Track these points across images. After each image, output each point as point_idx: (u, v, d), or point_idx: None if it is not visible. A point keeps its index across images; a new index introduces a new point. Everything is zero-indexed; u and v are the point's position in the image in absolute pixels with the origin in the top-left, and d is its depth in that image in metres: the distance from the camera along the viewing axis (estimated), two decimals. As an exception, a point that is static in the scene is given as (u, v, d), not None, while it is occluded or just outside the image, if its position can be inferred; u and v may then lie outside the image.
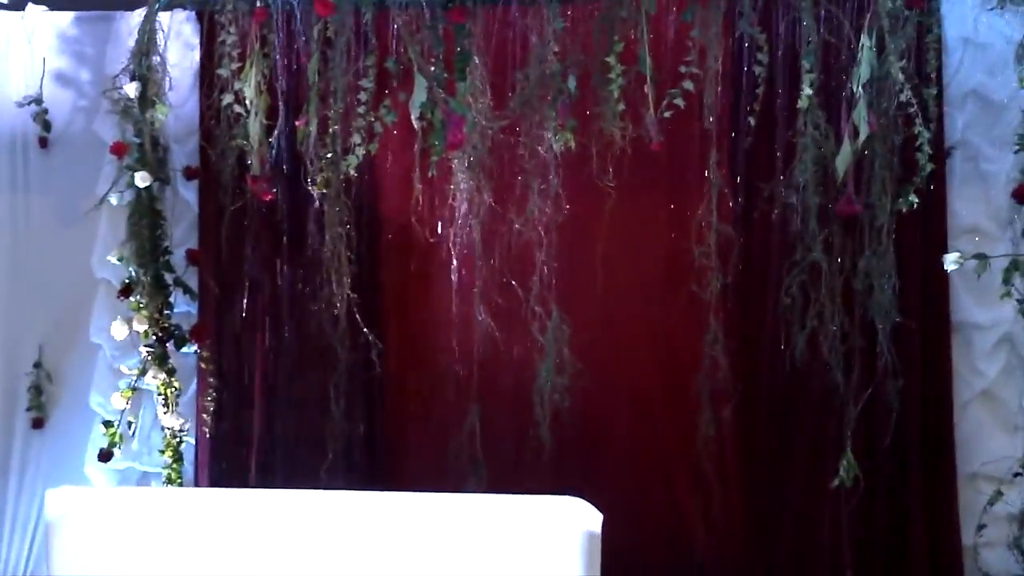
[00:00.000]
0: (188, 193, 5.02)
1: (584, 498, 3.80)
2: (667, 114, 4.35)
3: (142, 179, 4.74)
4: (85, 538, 3.89)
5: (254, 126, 4.69)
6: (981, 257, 4.13)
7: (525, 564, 3.66)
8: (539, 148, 4.57)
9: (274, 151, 4.80)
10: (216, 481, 4.92)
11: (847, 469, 4.33)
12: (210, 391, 4.91)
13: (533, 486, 4.23)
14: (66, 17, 5.09)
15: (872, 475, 4.43)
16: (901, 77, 4.13)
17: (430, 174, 4.67)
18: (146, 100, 4.76)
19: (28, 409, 5.06)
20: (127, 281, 4.83)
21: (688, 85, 4.37)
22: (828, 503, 4.49)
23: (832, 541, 4.51)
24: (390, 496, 3.95)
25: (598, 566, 3.67)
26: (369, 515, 3.86)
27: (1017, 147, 4.17)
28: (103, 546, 3.90)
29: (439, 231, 4.76)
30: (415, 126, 4.56)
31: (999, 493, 4.22)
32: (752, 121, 4.46)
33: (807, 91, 4.26)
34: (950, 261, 4.19)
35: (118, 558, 3.90)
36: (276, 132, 4.77)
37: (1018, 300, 4.17)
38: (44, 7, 5.05)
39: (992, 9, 4.33)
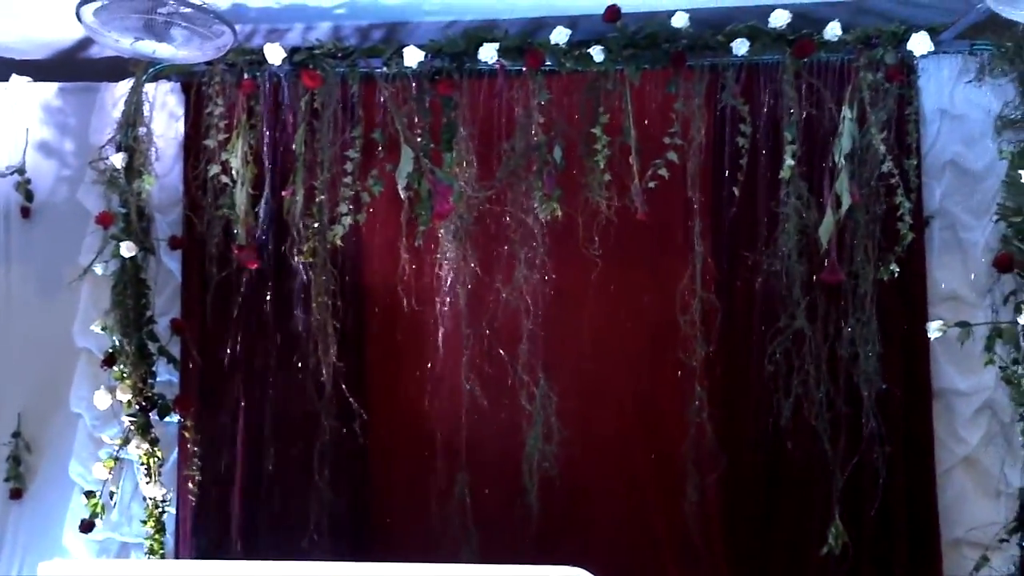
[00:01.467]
0: (171, 263, 5.02)
1: (573, 565, 3.80)
2: (652, 184, 4.43)
3: (128, 249, 4.74)
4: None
5: (240, 196, 4.72)
6: (964, 325, 4.21)
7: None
8: (525, 217, 4.62)
9: (260, 221, 4.81)
10: (198, 552, 4.86)
11: (835, 536, 4.35)
12: (193, 461, 4.87)
13: (523, 554, 4.23)
14: (50, 88, 5.11)
15: (858, 541, 4.44)
16: (882, 148, 4.22)
17: (416, 243, 4.71)
18: (132, 170, 4.79)
19: (6, 479, 5.01)
20: (110, 350, 4.81)
21: (672, 156, 4.45)
22: (814, 571, 4.49)
23: (821, 609, 4.52)
24: (383, 568, 3.93)
25: (600, 639, 3.67)
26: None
27: (997, 216, 4.25)
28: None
29: (425, 300, 4.76)
30: (402, 196, 4.61)
31: (985, 559, 4.24)
32: (736, 191, 4.52)
33: (789, 162, 4.34)
34: (933, 329, 4.26)
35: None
36: (262, 202, 4.79)
37: (1001, 367, 4.22)
38: (28, 78, 5.06)
39: (969, 82, 4.42)
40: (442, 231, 4.69)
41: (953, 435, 4.55)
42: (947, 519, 4.53)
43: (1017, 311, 4.14)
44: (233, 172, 4.72)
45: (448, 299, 4.73)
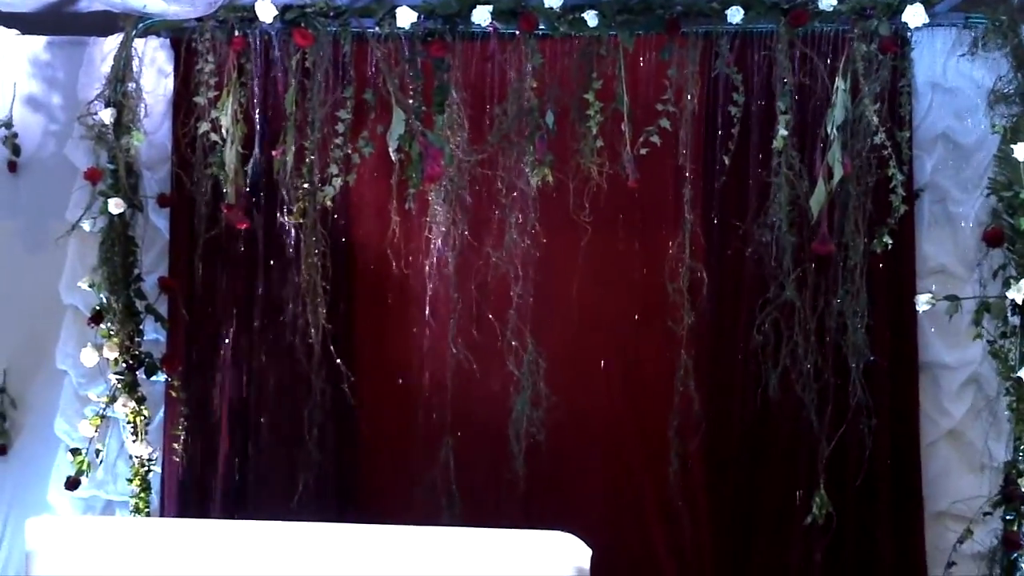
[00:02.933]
0: (160, 220, 4.99)
1: (558, 530, 3.82)
2: (643, 151, 4.41)
3: (116, 205, 4.71)
4: (65, 568, 3.85)
5: (230, 155, 4.69)
6: (953, 299, 4.22)
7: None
8: (516, 182, 4.60)
9: (250, 180, 4.79)
10: (183, 511, 4.87)
11: (820, 506, 4.38)
12: (179, 420, 4.88)
13: (506, 520, 4.25)
14: (38, 42, 5.06)
15: (842, 512, 4.47)
16: (875, 120, 4.21)
17: (407, 206, 4.69)
18: (121, 126, 4.75)
19: (-9, 436, 5.00)
20: (98, 308, 4.79)
21: (664, 123, 4.44)
22: (798, 540, 4.53)
23: (803, 576, 4.55)
24: (373, 529, 3.93)
25: (588, 602, 3.69)
26: (351, 549, 3.84)
27: (987, 191, 4.25)
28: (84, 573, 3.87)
29: (415, 263, 4.76)
30: (392, 158, 4.59)
31: (969, 532, 4.27)
32: (727, 160, 4.51)
33: (782, 132, 4.32)
34: (922, 302, 4.27)
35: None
36: (252, 161, 4.77)
37: (988, 341, 4.24)
38: (16, 31, 5.01)
39: (963, 55, 4.41)
40: (432, 194, 4.67)
41: (939, 408, 4.58)
42: (931, 492, 4.56)
43: (1005, 285, 4.14)
44: (223, 130, 4.69)
45: (437, 263, 4.72)
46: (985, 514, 4.25)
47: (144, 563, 3.91)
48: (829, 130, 4.15)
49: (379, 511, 4.59)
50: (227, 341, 4.90)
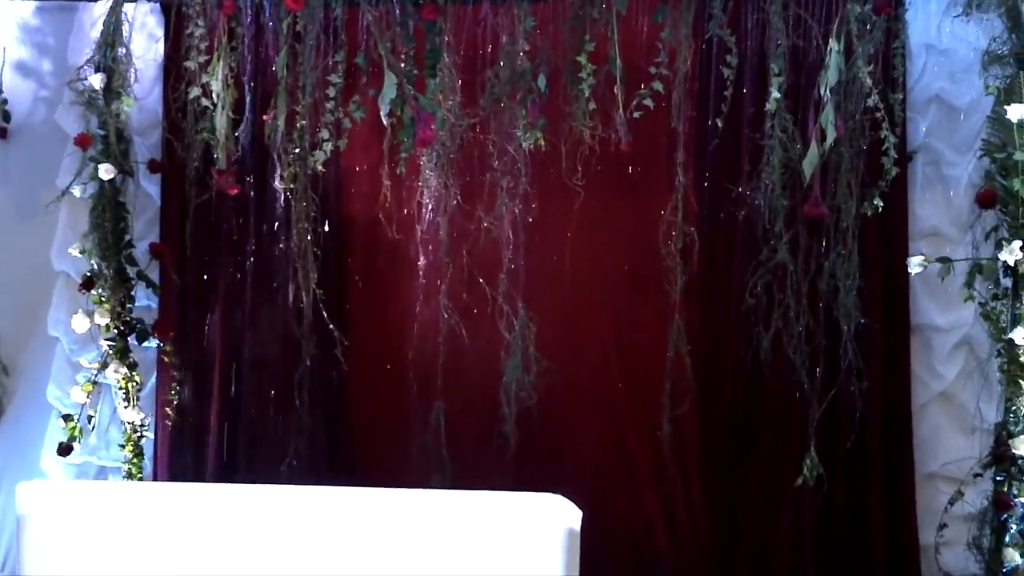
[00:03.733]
0: (150, 186, 4.98)
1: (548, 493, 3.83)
2: (636, 114, 4.39)
3: (106, 171, 4.70)
4: (57, 532, 3.85)
5: (220, 120, 4.66)
6: (945, 260, 4.22)
7: (506, 561, 3.67)
8: (508, 146, 4.58)
9: (240, 145, 4.77)
10: (175, 477, 4.88)
11: (810, 468, 4.39)
12: (171, 386, 4.88)
13: (497, 483, 4.24)
14: (27, 7, 5.03)
15: (833, 474, 4.49)
16: (868, 82, 4.19)
17: (398, 171, 4.67)
18: (111, 92, 4.72)
19: (-17, 402, 5.00)
20: (89, 274, 4.78)
21: (657, 86, 4.41)
22: (790, 501, 4.55)
23: (793, 539, 4.56)
24: (364, 492, 3.94)
25: (578, 563, 3.69)
26: (342, 511, 3.85)
27: (981, 152, 4.24)
28: (75, 540, 3.87)
29: (406, 228, 4.74)
30: (384, 123, 4.55)
31: (960, 493, 4.28)
32: (720, 123, 4.49)
33: (775, 94, 4.31)
34: (914, 264, 4.28)
35: (90, 552, 3.87)
36: (243, 126, 4.75)
37: (980, 303, 4.24)
38: (5, -3, 4.99)
39: (957, 16, 4.40)
40: (424, 159, 4.65)
41: (930, 370, 4.59)
42: (922, 453, 4.58)
43: (998, 247, 4.14)
44: (213, 95, 4.65)
45: (429, 227, 4.71)
46: (976, 475, 4.26)
47: (137, 527, 3.91)
48: (822, 92, 4.12)
49: (370, 475, 4.60)
50: (218, 307, 4.89)
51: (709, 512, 4.64)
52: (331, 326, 4.72)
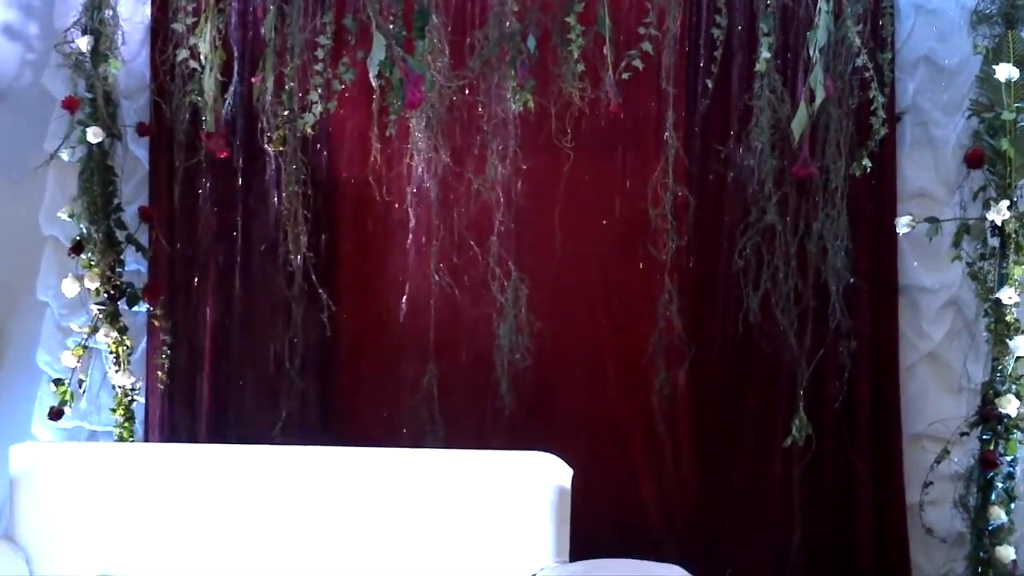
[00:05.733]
0: (139, 150, 4.96)
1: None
2: (626, 75, 4.38)
3: (94, 135, 4.67)
4: (50, 493, 3.88)
5: (209, 82, 4.64)
6: (933, 220, 4.24)
7: (496, 518, 3.71)
8: (497, 108, 4.58)
9: (229, 108, 4.75)
10: (166, 440, 4.87)
11: (799, 428, 4.42)
12: (162, 349, 4.88)
13: (490, 445, 4.27)
14: (13, -32, 5.00)
15: (821, 434, 4.52)
16: (857, 42, 4.19)
17: (388, 133, 4.66)
18: (98, 54, 4.69)
19: (-27, 368, 5.00)
20: (78, 238, 4.77)
21: (647, 47, 4.40)
22: (778, 461, 4.58)
23: (781, 498, 4.60)
24: (356, 451, 3.97)
25: (568, 520, 3.73)
26: (338, 470, 3.88)
27: (969, 112, 4.25)
28: (68, 501, 3.90)
29: (396, 190, 4.74)
30: (373, 84, 4.54)
31: (946, 452, 4.31)
32: (709, 83, 4.50)
33: (765, 54, 4.31)
34: (902, 224, 4.29)
35: (83, 512, 3.90)
36: (231, 89, 4.73)
37: (967, 263, 4.26)
38: (-10, -42, 4.95)
39: (947, -25, 4.41)
40: (413, 121, 4.63)
41: (917, 331, 4.62)
42: (909, 413, 4.61)
43: (985, 207, 4.16)
44: (201, 57, 4.62)
45: (418, 189, 4.70)
46: (962, 434, 4.29)
47: (129, 487, 3.94)
48: (811, 52, 4.11)
49: (363, 438, 4.58)
50: (208, 270, 4.89)
51: (698, 472, 4.66)
52: (320, 290, 4.73)
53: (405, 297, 4.76)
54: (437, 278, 4.69)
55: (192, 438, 4.85)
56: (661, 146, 4.57)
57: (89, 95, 4.72)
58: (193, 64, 4.65)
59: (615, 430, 4.69)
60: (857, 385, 4.53)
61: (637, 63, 4.38)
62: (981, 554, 4.16)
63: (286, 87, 4.62)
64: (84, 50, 4.68)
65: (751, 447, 4.63)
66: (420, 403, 4.68)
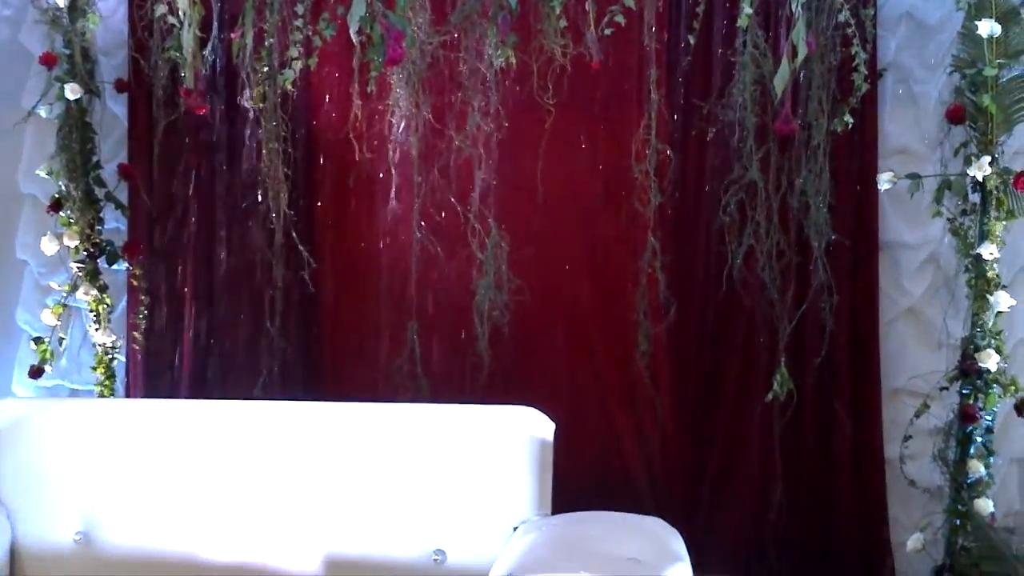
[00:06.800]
0: (117, 107, 4.93)
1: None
2: (608, 31, 4.35)
3: (72, 91, 4.64)
4: (31, 449, 3.87)
5: (187, 38, 4.57)
6: (914, 177, 4.24)
7: (478, 472, 3.72)
8: (479, 65, 4.54)
9: (208, 64, 4.72)
10: (148, 398, 4.87)
11: (781, 383, 4.44)
12: (142, 307, 4.86)
13: (471, 401, 4.27)
14: (-11, -77, 4.94)
15: (802, 389, 4.54)
16: (840, -3, 4.19)
17: (369, 90, 4.62)
18: (76, 10, 4.65)
19: (-48, 326, 4.97)
20: (56, 196, 4.75)
21: (629, 2, 4.35)
22: (759, 416, 4.60)
23: (762, 453, 4.62)
24: (337, 406, 3.96)
25: (550, 474, 3.74)
26: (319, 424, 3.88)
27: (951, 68, 4.25)
28: (50, 456, 3.89)
29: (377, 147, 4.71)
30: (353, 41, 4.49)
31: (926, 406, 4.34)
32: (692, 39, 4.47)
33: (747, 10, 4.27)
34: (883, 181, 4.30)
35: (64, 469, 3.90)
36: (210, 45, 4.69)
37: (948, 219, 4.27)
38: (-37, -88, 4.89)
39: (928, -71, 4.40)
40: (394, 77, 4.60)
41: (898, 287, 4.63)
42: (889, 368, 4.63)
43: (967, 163, 4.17)
44: (180, 13, 4.56)
45: (400, 147, 4.68)
46: (942, 389, 4.32)
47: (111, 444, 3.93)
48: (794, 8, 4.09)
49: (344, 395, 4.58)
50: (188, 228, 4.88)
51: (679, 426, 4.68)
52: (301, 247, 4.72)
53: (386, 254, 4.75)
54: (418, 235, 4.68)
55: (173, 396, 4.85)
56: (643, 103, 4.55)
57: (67, 51, 4.69)
58: (172, 20, 4.58)
59: (597, 385, 4.70)
60: (838, 340, 4.54)
61: (619, 19, 4.32)
62: (959, 507, 4.20)
63: (266, 43, 4.57)
64: (61, 6, 4.65)
65: (732, 402, 4.64)
66: (402, 359, 4.67)
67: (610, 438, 4.68)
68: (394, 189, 4.72)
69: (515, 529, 3.63)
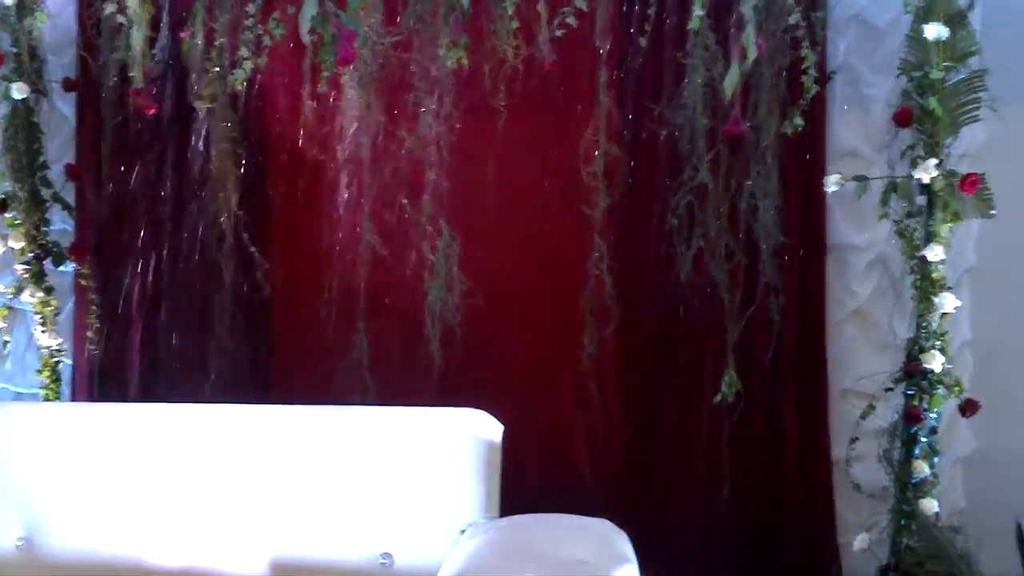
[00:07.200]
0: (65, 107, 4.89)
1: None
2: (559, 33, 4.35)
3: (19, 91, 4.60)
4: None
5: (136, 37, 4.54)
6: (862, 179, 4.27)
7: (427, 474, 3.71)
8: (431, 66, 4.53)
9: (158, 64, 4.69)
10: (94, 402, 4.83)
11: (729, 385, 4.46)
12: (89, 309, 4.82)
13: (421, 403, 4.26)
14: (-66, -81, 4.86)
15: (749, 390, 4.56)
16: (790, 0, 4.20)
17: (320, 90, 4.59)
18: (24, 8, 4.61)
19: None
20: (2, 196, 4.70)
21: (581, 3, 4.35)
22: (707, 418, 4.62)
23: (711, 454, 4.64)
24: (285, 409, 3.95)
25: (498, 476, 3.74)
26: (268, 427, 3.86)
27: (899, 71, 4.28)
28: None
29: (328, 148, 4.69)
30: (305, 41, 4.47)
31: (872, 407, 4.38)
32: (643, 42, 4.48)
33: (698, 12, 4.28)
34: (831, 183, 4.33)
35: (6, 474, 3.85)
36: (160, 44, 4.66)
37: (895, 221, 4.31)
38: (-93, -93, 4.81)
39: (877, -66, 4.43)
40: (346, 78, 4.58)
41: (845, 288, 4.67)
42: (836, 370, 4.67)
43: (913, 165, 4.20)
44: (129, 12, 4.53)
45: (351, 148, 4.66)
46: (887, 390, 4.35)
47: (55, 448, 3.90)
48: (744, 10, 4.12)
49: (294, 398, 4.56)
50: (137, 229, 4.83)
51: (628, 428, 4.69)
52: (252, 248, 4.69)
53: (337, 255, 4.73)
54: (369, 237, 4.66)
55: (120, 399, 4.81)
56: (595, 104, 4.55)
57: (14, 50, 4.65)
58: (121, 19, 4.55)
59: (546, 387, 4.70)
60: (786, 342, 4.58)
61: (571, 20, 4.32)
62: (905, 507, 4.23)
63: (216, 43, 4.53)
64: (8, 3, 4.61)
65: (681, 403, 4.66)
66: (352, 361, 4.65)
67: (560, 439, 4.68)
68: (345, 190, 4.70)
69: (463, 532, 3.63)
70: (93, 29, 4.68)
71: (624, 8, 4.61)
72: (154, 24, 4.62)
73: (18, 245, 4.71)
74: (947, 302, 4.21)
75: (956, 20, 4.14)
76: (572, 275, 4.64)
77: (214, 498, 3.80)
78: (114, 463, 3.87)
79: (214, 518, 3.79)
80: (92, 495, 3.84)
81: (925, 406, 4.23)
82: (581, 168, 4.56)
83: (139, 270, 4.84)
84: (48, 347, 4.79)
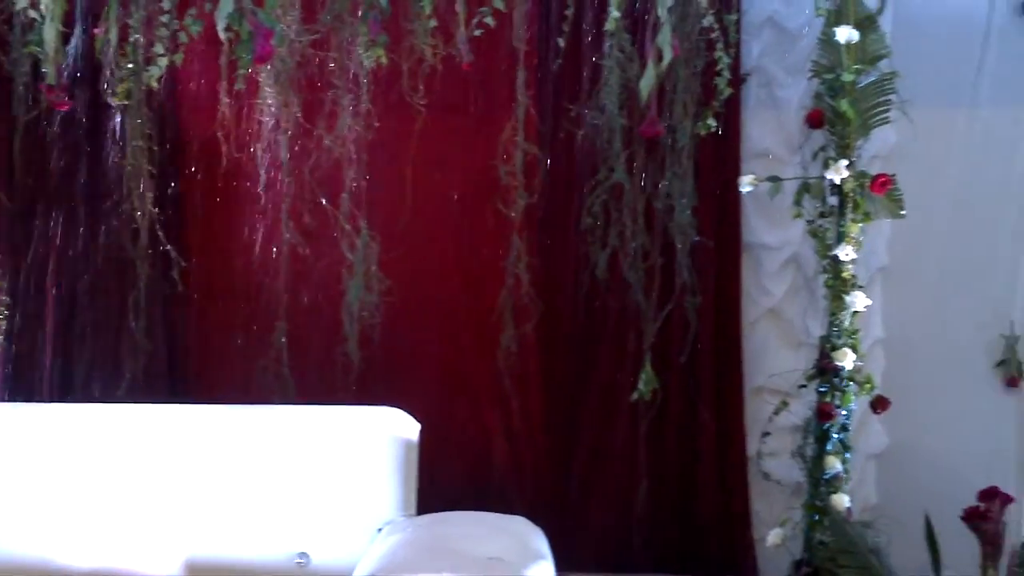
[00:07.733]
0: (-24, 103, 4.80)
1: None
2: (478, 32, 4.35)
3: (-73, 86, 4.51)
4: None
5: (49, 32, 4.44)
6: (775, 179, 4.33)
7: (343, 473, 3.71)
8: (349, 64, 4.53)
9: (71, 60, 4.62)
10: (8, 401, 4.74)
11: (646, 383, 4.50)
12: (1, 310, 4.73)
13: (341, 402, 4.26)
14: None
15: (666, 388, 4.62)
16: (704, 3, 4.25)
17: (237, 88, 4.56)
18: (-69, 1, 4.52)
19: None
20: (-88, 195, 4.61)
21: (499, 3, 4.35)
22: (625, 415, 4.67)
23: (628, 451, 4.69)
24: (204, 408, 3.92)
25: (415, 474, 3.75)
26: (184, 427, 3.83)
27: (811, 73, 4.35)
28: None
29: (246, 146, 4.66)
30: (221, 37, 4.42)
31: (784, 404, 4.45)
32: (561, 42, 4.50)
33: (614, 13, 4.29)
34: (745, 183, 4.38)
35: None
36: (73, 39, 4.60)
37: (808, 221, 4.37)
38: None
39: (790, -62, 4.50)
40: (263, 75, 4.55)
41: (760, 287, 4.76)
42: (751, 367, 4.76)
43: (825, 166, 4.26)
44: (41, 7, 4.45)
45: (269, 146, 4.63)
46: (800, 387, 4.41)
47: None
48: (659, 13, 4.15)
49: (211, 397, 4.53)
50: (50, 227, 4.76)
51: (546, 426, 4.73)
52: (168, 247, 4.64)
53: (255, 254, 4.70)
54: (288, 235, 4.64)
55: (35, 399, 4.73)
56: (513, 104, 4.56)
57: (-78, 45, 4.54)
58: (33, 13, 4.46)
59: (465, 386, 4.72)
60: (701, 340, 4.65)
61: (489, 20, 4.31)
62: (817, 502, 4.29)
63: (131, 39, 4.47)
64: (-84, -2, 4.50)
65: (599, 400, 4.71)
66: (270, 361, 4.63)
67: (479, 438, 4.71)
68: (263, 188, 4.68)
69: (380, 530, 3.64)
70: (4, 24, 4.59)
71: (542, 9, 4.64)
72: (67, 19, 4.53)
73: (-72, 244, 4.61)
74: (858, 301, 4.28)
75: (866, 23, 4.22)
76: (491, 274, 4.67)
77: (128, 498, 3.77)
78: (27, 463, 3.82)
79: (128, 518, 3.75)
80: (2, 496, 3.77)
81: (837, 403, 4.30)
82: (500, 167, 4.58)
83: (53, 268, 4.77)
84: (-41, 348, 4.71)
